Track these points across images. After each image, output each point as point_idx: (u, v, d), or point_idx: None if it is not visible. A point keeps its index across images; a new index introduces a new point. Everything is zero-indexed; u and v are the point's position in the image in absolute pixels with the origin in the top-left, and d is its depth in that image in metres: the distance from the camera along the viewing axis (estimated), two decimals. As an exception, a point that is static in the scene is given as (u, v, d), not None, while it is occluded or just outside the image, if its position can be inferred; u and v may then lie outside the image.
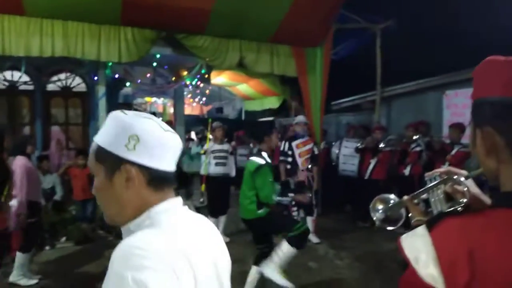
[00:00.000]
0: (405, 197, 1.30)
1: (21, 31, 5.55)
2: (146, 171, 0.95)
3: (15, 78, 7.86)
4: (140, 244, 0.84)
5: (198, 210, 6.46)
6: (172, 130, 1.02)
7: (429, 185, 1.19)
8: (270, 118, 15.49)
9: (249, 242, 5.79)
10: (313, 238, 5.72)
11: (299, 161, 5.67)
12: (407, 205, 1.30)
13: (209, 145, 5.91)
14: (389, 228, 1.38)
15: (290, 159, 5.73)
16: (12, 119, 7.99)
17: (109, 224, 1.04)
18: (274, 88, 11.86)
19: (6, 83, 7.84)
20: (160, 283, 0.79)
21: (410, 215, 1.28)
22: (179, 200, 1.03)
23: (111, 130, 0.96)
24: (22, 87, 8.02)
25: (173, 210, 0.99)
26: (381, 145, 6.32)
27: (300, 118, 6.03)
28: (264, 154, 3.77)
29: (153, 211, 0.95)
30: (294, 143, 5.74)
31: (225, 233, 5.95)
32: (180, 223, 0.98)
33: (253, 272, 3.88)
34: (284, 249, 3.62)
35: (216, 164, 5.74)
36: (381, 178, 6.42)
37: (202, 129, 8.17)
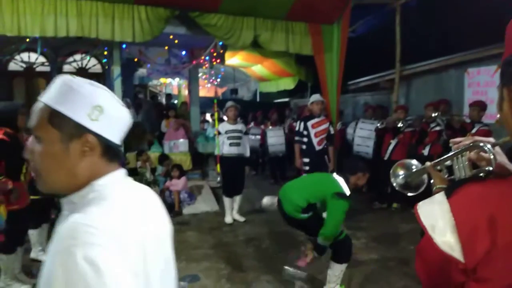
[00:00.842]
0: (428, 163, 1.26)
1: (36, 11, 5.55)
2: (103, 143, 0.94)
3: (32, 60, 7.94)
4: (89, 221, 0.81)
5: (213, 190, 6.53)
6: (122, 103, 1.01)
7: (453, 152, 1.14)
8: (286, 99, 15.35)
9: (265, 221, 5.83)
10: None
11: (314, 141, 5.58)
12: (429, 172, 1.26)
13: (221, 126, 5.87)
14: (409, 194, 1.37)
15: (305, 139, 5.65)
16: (29, 100, 8.12)
17: (43, 192, 0.99)
18: (289, 68, 11.70)
19: (24, 65, 7.93)
20: (109, 260, 0.78)
21: (431, 182, 1.24)
22: (122, 171, 1.00)
23: (69, 96, 0.92)
24: (39, 69, 8.11)
25: (117, 182, 0.97)
26: (400, 124, 6.16)
27: (317, 96, 5.90)
28: (346, 186, 3.35)
29: (98, 184, 0.92)
30: (309, 123, 5.63)
31: (241, 212, 5.98)
32: (126, 196, 0.95)
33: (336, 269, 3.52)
34: (337, 272, 3.37)
35: (230, 144, 5.71)
36: (400, 159, 6.26)
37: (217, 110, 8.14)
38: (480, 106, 5.50)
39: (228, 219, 5.78)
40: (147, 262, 0.90)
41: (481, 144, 1.07)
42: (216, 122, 6.24)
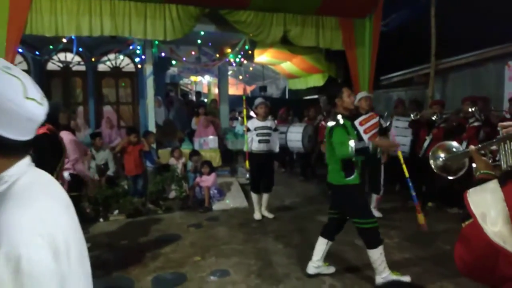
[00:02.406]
0: (472, 147, 1.20)
1: (72, 11, 5.78)
2: None
3: (68, 59, 8.25)
4: (10, 220, 0.81)
5: (242, 187, 6.55)
6: (39, 97, 0.94)
7: (500, 136, 1.07)
8: (315, 96, 15.17)
9: (293, 218, 5.79)
10: (376, 213, 5.61)
11: (365, 137, 5.43)
12: (472, 156, 1.19)
13: (250, 122, 5.85)
14: (449, 177, 1.31)
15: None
16: (66, 99, 8.45)
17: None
18: (318, 65, 11.55)
19: (61, 64, 8.25)
20: (33, 257, 0.78)
21: (474, 166, 1.17)
22: (26, 161, 0.95)
23: None
24: (75, 68, 8.41)
25: (23, 175, 0.93)
26: (434, 117, 5.93)
27: (364, 92, 5.82)
28: (339, 116, 3.53)
29: (7, 175, 0.90)
30: (356, 122, 5.48)
31: (270, 209, 5.96)
32: (36, 189, 0.93)
33: (320, 243, 3.82)
34: (375, 256, 3.50)
35: (260, 141, 5.69)
36: None
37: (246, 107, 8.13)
38: None
39: (257, 215, 5.78)
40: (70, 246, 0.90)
41: None
42: (245, 119, 6.22)
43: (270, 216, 5.84)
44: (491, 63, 7.12)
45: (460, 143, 5.84)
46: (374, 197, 5.81)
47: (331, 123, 3.59)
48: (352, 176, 3.53)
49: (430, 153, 1.34)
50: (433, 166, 1.32)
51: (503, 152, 1.06)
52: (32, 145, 0.95)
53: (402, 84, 9.65)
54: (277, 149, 5.94)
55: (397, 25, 8.01)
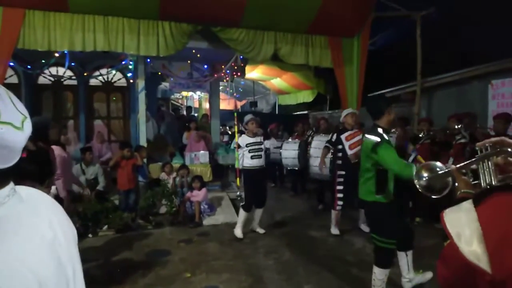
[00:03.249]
0: (453, 167, 1.24)
1: (65, 27, 5.82)
2: None
3: (60, 73, 8.25)
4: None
5: (233, 201, 6.54)
6: (18, 120, 0.83)
7: (479, 155, 1.11)
8: (304, 112, 15.36)
9: (283, 233, 5.81)
10: (364, 227, 5.86)
11: (349, 152, 5.56)
12: (454, 175, 1.23)
13: (240, 139, 5.85)
14: (433, 196, 1.34)
15: (340, 154, 5.63)
16: (57, 113, 8.40)
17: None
18: (307, 81, 11.76)
19: (52, 78, 8.24)
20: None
21: (456, 186, 1.21)
22: (5, 191, 0.86)
23: None
24: (66, 82, 8.41)
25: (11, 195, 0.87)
26: (420, 134, 6.10)
27: (350, 109, 5.96)
28: (380, 130, 3.37)
29: None
30: (343, 136, 5.64)
31: (261, 225, 5.94)
32: (7, 225, 0.84)
33: (401, 257, 3.79)
34: (379, 275, 3.47)
35: (252, 157, 5.67)
36: None
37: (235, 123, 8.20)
38: (505, 119, 5.36)
39: (238, 232, 5.62)
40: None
41: (510, 149, 1.04)
42: (236, 135, 6.23)
43: (261, 231, 5.82)
44: (475, 81, 7.34)
45: (447, 159, 5.98)
46: (362, 211, 5.87)
47: (374, 138, 3.35)
48: (383, 194, 3.43)
49: (414, 173, 1.37)
50: (417, 186, 1.35)
51: (482, 171, 1.09)
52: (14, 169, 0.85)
53: (391, 99, 9.85)
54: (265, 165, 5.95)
55: (384, 44, 8.23)
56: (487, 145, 1.12)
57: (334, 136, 5.80)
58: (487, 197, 0.84)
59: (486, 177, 1.08)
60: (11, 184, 0.88)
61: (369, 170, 3.45)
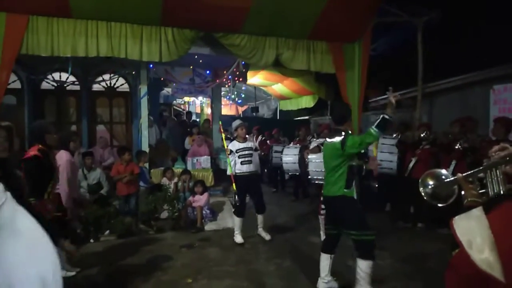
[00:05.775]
0: (459, 175, 1.23)
1: (68, 32, 5.85)
2: None
3: (63, 79, 8.29)
4: None
5: (234, 207, 6.53)
6: None
7: (487, 164, 1.11)
8: (305, 117, 15.37)
9: (285, 239, 5.80)
10: None
11: None
12: (460, 184, 1.22)
13: (231, 145, 5.83)
14: (439, 204, 1.32)
15: None
16: (60, 118, 8.44)
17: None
18: (308, 87, 11.77)
19: (55, 84, 8.29)
20: None
21: (462, 194, 1.20)
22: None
23: None
24: (69, 87, 8.45)
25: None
26: (423, 134, 6.10)
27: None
28: (342, 133, 3.69)
29: None
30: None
31: (265, 230, 5.93)
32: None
33: (323, 258, 3.92)
34: (363, 267, 3.56)
35: (242, 162, 5.66)
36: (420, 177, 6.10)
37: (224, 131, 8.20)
38: (504, 123, 5.35)
39: (238, 238, 5.64)
40: None
41: None
42: (224, 142, 6.21)
43: (267, 237, 5.77)
44: (477, 86, 7.34)
45: (449, 163, 5.95)
46: None
47: (336, 138, 3.68)
48: (350, 188, 3.67)
49: (420, 181, 1.35)
50: (423, 194, 1.34)
51: (490, 180, 1.09)
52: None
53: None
54: (259, 170, 5.89)
55: (385, 49, 8.25)
56: (494, 154, 1.11)
57: None
58: (498, 204, 0.82)
59: (494, 186, 1.07)
60: None
61: (338, 168, 3.66)
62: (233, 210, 5.84)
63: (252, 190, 5.75)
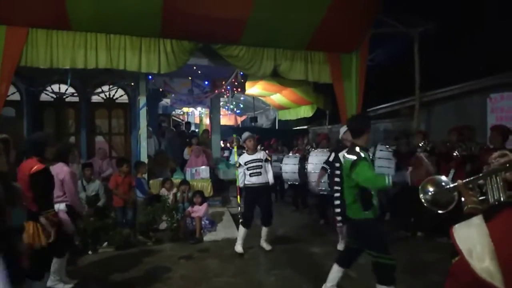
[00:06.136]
0: (459, 182, 1.23)
1: (68, 44, 5.90)
2: None
3: (62, 90, 8.33)
4: None
5: (234, 217, 6.53)
6: None
7: (487, 170, 1.11)
8: (304, 127, 15.42)
9: (285, 249, 5.76)
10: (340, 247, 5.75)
11: None
12: (460, 190, 1.22)
13: (240, 158, 5.82)
14: (439, 211, 1.33)
15: (338, 172, 5.56)
16: (59, 130, 8.44)
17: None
18: (307, 97, 11.83)
19: (54, 95, 8.31)
20: None
21: (462, 201, 1.20)
22: None
23: None
24: (68, 99, 8.47)
25: None
26: (421, 144, 6.09)
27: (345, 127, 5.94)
28: (358, 149, 3.48)
29: None
30: (340, 154, 5.59)
31: (268, 241, 5.89)
32: None
33: (335, 270, 3.79)
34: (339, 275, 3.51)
35: (251, 174, 5.64)
36: (419, 185, 6.08)
37: (237, 138, 8.24)
38: (500, 131, 5.39)
39: (239, 248, 5.60)
40: None
41: None
42: (235, 155, 6.23)
43: (268, 248, 5.73)
44: (474, 95, 7.39)
45: (448, 171, 5.95)
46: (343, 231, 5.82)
47: (351, 157, 3.49)
48: (369, 210, 3.47)
49: (419, 187, 1.35)
50: (423, 201, 1.34)
51: (490, 187, 1.09)
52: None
53: (388, 116, 9.91)
54: (271, 180, 5.79)
55: (383, 60, 8.32)
56: (494, 161, 1.11)
57: (332, 156, 5.74)
58: (498, 212, 0.82)
59: (494, 193, 1.07)
60: None
61: (354, 189, 3.51)
62: (240, 220, 5.80)
63: (261, 202, 5.67)
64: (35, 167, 3.43)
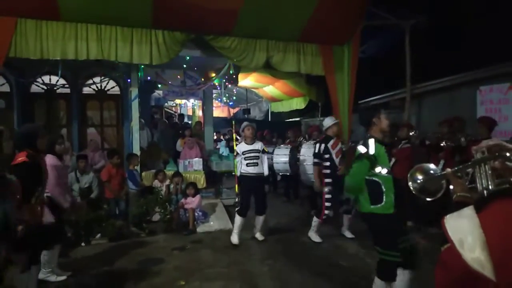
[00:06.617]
0: (448, 170, 1.24)
1: (58, 35, 5.82)
2: None
3: (53, 82, 8.23)
4: None
5: (227, 208, 6.56)
6: None
7: (476, 159, 1.12)
8: (297, 119, 15.46)
9: (277, 240, 5.83)
10: (347, 234, 5.90)
11: (336, 161, 5.62)
12: (449, 178, 1.23)
13: (238, 147, 5.86)
14: (427, 199, 1.33)
15: (328, 163, 5.64)
16: (50, 121, 8.37)
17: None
18: (299, 88, 11.85)
19: (45, 87, 8.22)
20: None
21: (451, 189, 1.21)
22: None
23: None
24: (59, 91, 8.38)
25: None
26: (411, 133, 6.18)
27: (333, 118, 5.98)
28: (371, 141, 3.31)
29: None
30: (329, 144, 5.70)
31: (261, 231, 5.93)
32: None
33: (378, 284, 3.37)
34: (378, 286, 3.30)
35: (248, 164, 5.65)
36: (401, 177, 6.07)
37: (229, 130, 8.26)
38: (487, 123, 5.50)
39: (234, 239, 5.63)
40: None
41: (508, 154, 1.04)
42: (234, 143, 6.26)
43: (261, 238, 5.79)
44: (464, 87, 7.47)
45: (437, 162, 6.04)
46: (346, 217, 5.94)
47: (360, 148, 3.33)
48: (380, 205, 3.30)
49: (408, 176, 1.36)
50: (411, 188, 1.34)
51: (479, 175, 1.09)
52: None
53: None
54: (266, 172, 5.81)
55: (374, 52, 8.36)
56: (483, 149, 1.12)
57: (322, 147, 5.73)
58: (489, 203, 0.83)
59: (483, 181, 1.07)
60: None
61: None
62: (236, 209, 5.85)
63: (256, 191, 5.72)
64: (19, 159, 3.42)
